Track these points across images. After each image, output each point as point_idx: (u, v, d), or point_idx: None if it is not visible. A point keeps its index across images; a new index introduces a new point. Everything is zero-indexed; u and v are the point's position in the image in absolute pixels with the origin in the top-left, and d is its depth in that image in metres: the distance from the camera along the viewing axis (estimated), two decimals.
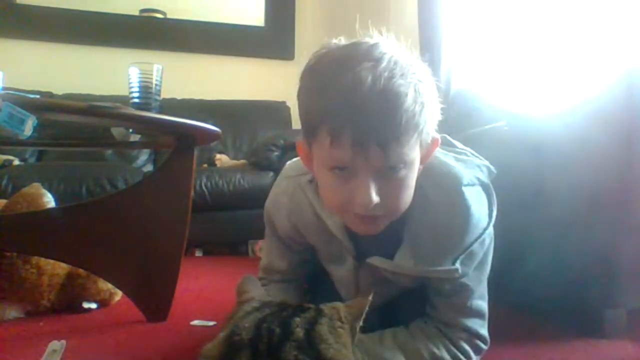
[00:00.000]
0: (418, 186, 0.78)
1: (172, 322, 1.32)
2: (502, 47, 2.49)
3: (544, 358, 1.07)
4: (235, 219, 2.76)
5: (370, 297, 0.65)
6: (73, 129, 2.77)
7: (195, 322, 1.31)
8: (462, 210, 0.81)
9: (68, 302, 1.42)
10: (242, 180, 2.73)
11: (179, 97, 3.36)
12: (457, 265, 0.81)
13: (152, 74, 1.28)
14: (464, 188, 0.82)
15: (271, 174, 2.82)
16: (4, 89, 1.18)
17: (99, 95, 3.05)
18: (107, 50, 3.43)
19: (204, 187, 2.65)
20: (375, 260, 0.84)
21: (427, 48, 2.78)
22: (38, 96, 1.22)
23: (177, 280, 1.34)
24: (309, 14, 3.76)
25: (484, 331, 0.89)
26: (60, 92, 3.13)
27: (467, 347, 0.87)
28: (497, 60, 2.52)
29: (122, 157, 3.08)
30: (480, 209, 0.84)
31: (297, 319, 0.58)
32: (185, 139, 1.35)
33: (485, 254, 0.87)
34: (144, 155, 3.15)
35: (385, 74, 0.68)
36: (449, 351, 0.85)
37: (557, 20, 2.13)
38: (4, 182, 2.36)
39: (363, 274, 0.90)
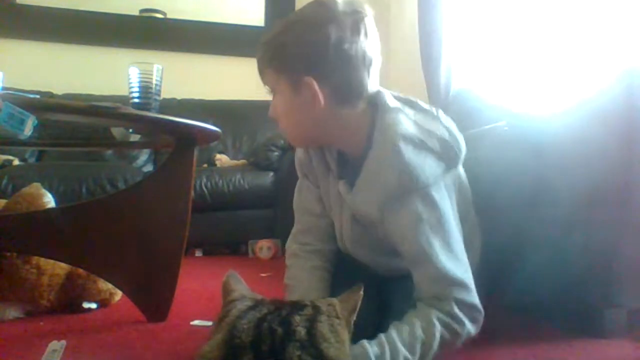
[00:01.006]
0: (373, 133, 0.94)
1: (172, 322, 1.32)
2: (502, 46, 2.49)
3: (544, 358, 1.07)
4: (235, 219, 2.76)
5: (361, 292, 0.65)
6: (73, 129, 2.77)
7: (195, 322, 1.31)
8: (394, 160, 0.90)
9: (68, 302, 1.42)
10: (242, 180, 2.73)
11: (179, 97, 3.36)
12: (382, 209, 0.93)
13: (152, 74, 1.28)
14: (401, 143, 0.91)
15: (271, 174, 2.82)
16: (4, 89, 1.18)
17: (99, 95, 3.05)
18: (107, 50, 3.43)
19: (204, 187, 2.65)
20: (341, 186, 0.99)
21: (427, 48, 2.78)
22: (38, 96, 1.22)
23: (177, 280, 1.34)
24: None
25: (472, 299, 0.91)
26: (60, 92, 3.13)
27: (459, 314, 0.89)
28: (497, 60, 2.52)
29: (122, 157, 3.08)
30: (419, 165, 0.91)
31: (297, 317, 0.57)
32: (185, 139, 1.35)
33: (439, 219, 0.92)
34: (144, 155, 3.15)
35: (280, 22, 0.94)
36: (440, 320, 0.88)
37: (557, 20, 2.13)
38: (4, 182, 2.36)
39: (345, 219, 1.03)
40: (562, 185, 1.22)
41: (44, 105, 1.22)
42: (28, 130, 1.05)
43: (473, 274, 0.94)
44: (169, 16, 3.62)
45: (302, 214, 1.14)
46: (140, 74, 1.27)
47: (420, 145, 0.92)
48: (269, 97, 1.02)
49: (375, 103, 0.96)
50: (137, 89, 1.27)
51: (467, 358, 1.04)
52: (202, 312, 1.41)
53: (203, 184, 2.65)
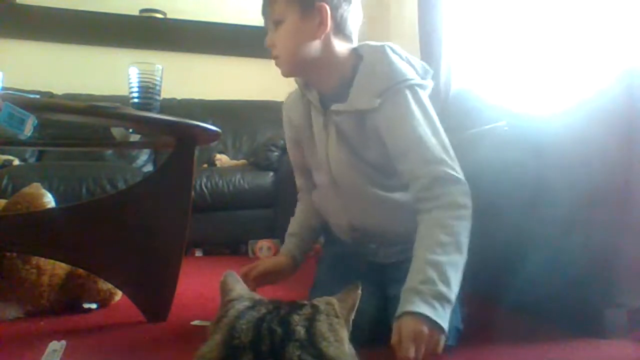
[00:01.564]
0: (362, 57, 1.12)
1: (172, 322, 1.32)
2: (502, 46, 2.49)
3: (544, 358, 1.07)
4: (235, 219, 2.76)
5: (359, 290, 0.65)
6: (73, 129, 2.77)
7: (195, 322, 1.31)
8: (385, 58, 1.10)
9: (68, 302, 1.42)
10: (242, 180, 2.73)
11: (179, 97, 3.36)
12: (380, 98, 1.07)
13: (152, 74, 1.28)
14: (389, 50, 1.11)
15: (271, 174, 2.82)
16: (4, 89, 1.18)
17: (99, 95, 3.05)
18: (107, 50, 3.43)
19: (204, 187, 2.65)
20: (337, 106, 1.12)
21: (427, 48, 2.78)
22: (38, 96, 1.22)
23: (177, 280, 1.34)
24: None
25: (460, 176, 1.02)
26: (60, 92, 3.13)
27: (458, 199, 0.99)
28: (497, 60, 2.52)
29: (122, 157, 3.08)
30: (405, 68, 1.10)
31: (296, 317, 0.57)
32: (185, 139, 1.35)
33: (426, 114, 1.07)
34: (144, 155, 3.15)
35: None
36: (450, 217, 0.98)
37: (557, 19, 2.13)
38: (4, 182, 2.36)
39: (330, 132, 1.15)
40: (562, 185, 1.22)
41: (44, 105, 1.21)
42: (28, 131, 1.05)
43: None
44: (169, 16, 3.62)
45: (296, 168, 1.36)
46: (140, 74, 1.27)
47: (406, 60, 1.13)
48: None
49: (359, 52, 1.15)
50: (137, 89, 1.27)
51: (467, 358, 1.05)
52: (202, 312, 1.41)
53: (203, 184, 2.66)
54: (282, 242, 2.81)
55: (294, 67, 1.14)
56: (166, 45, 3.48)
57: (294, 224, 1.36)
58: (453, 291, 0.92)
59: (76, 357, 1.04)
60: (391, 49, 1.12)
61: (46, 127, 2.19)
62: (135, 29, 3.51)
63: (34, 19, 3.33)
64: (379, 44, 1.14)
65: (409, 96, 1.06)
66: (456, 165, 1.03)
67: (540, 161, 1.28)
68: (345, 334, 0.60)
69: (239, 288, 0.66)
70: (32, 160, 2.99)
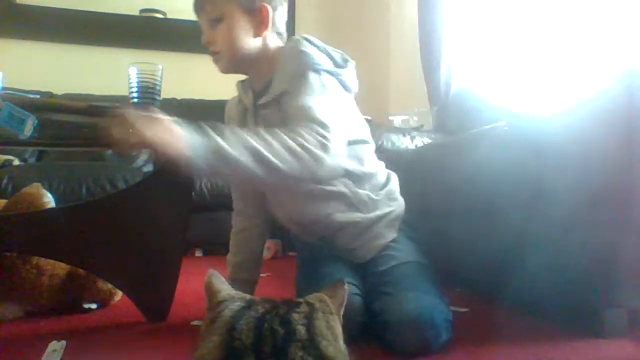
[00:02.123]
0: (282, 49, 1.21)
1: (172, 322, 1.32)
2: (502, 46, 2.49)
3: (544, 358, 1.07)
4: None
5: (346, 286, 0.66)
6: (73, 129, 2.77)
7: (195, 322, 1.31)
8: (297, 46, 1.17)
9: (68, 302, 1.42)
10: None
11: (179, 97, 3.36)
12: (290, 84, 1.13)
13: (152, 74, 1.28)
14: (303, 40, 1.19)
15: None
16: (4, 89, 1.18)
17: (99, 95, 3.04)
18: (107, 50, 3.43)
19: (204, 187, 2.65)
20: (262, 100, 1.21)
21: (427, 48, 2.78)
22: (38, 96, 1.22)
23: (177, 280, 1.34)
24: (309, 15, 3.76)
25: (328, 134, 1.01)
26: (60, 92, 3.13)
27: (303, 132, 0.99)
28: (497, 60, 2.52)
29: (122, 157, 3.08)
30: (316, 54, 1.16)
31: (295, 315, 0.57)
32: None
33: (322, 90, 1.11)
34: (144, 155, 3.15)
35: None
36: (286, 134, 0.99)
37: (557, 19, 2.13)
38: (4, 182, 2.36)
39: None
40: (562, 185, 1.22)
41: (44, 105, 1.22)
42: (28, 131, 1.05)
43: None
44: (169, 16, 3.62)
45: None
46: (140, 74, 1.27)
47: (323, 50, 1.19)
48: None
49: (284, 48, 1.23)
50: (137, 89, 1.27)
51: (467, 358, 1.05)
52: (202, 312, 1.40)
53: (203, 184, 2.65)
54: (282, 242, 2.80)
55: (233, 63, 1.22)
56: (166, 45, 3.47)
57: (244, 268, 1.36)
58: (215, 135, 0.94)
59: (76, 357, 1.04)
60: (307, 40, 1.20)
61: (46, 127, 2.19)
62: (135, 29, 3.51)
63: (34, 19, 3.33)
64: (296, 37, 1.21)
65: (313, 77, 1.12)
66: (333, 138, 1.01)
67: (540, 161, 1.28)
68: (339, 330, 0.60)
69: (226, 288, 0.65)
70: (32, 160, 2.99)
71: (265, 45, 1.21)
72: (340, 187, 1.19)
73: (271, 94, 1.19)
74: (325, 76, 1.14)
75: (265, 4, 1.18)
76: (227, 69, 1.24)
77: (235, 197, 1.41)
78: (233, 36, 1.18)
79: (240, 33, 1.18)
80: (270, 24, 1.19)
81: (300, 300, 0.62)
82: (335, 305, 0.62)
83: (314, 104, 1.06)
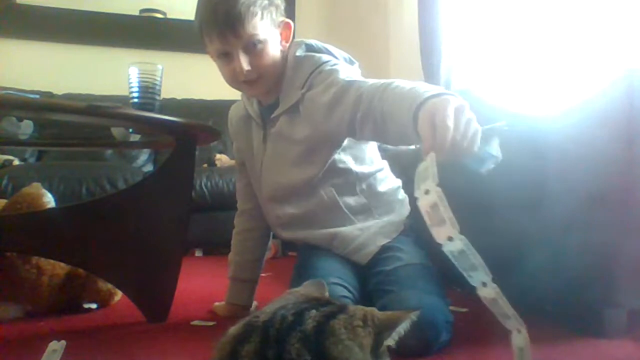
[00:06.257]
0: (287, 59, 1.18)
1: (172, 322, 1.32)
2: (502, 47, 2.49)
3: (544, 358, 1.07)
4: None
5: (410, 315, 0.58)
6: (73, 129, 2.77)
7: (195, 322, 1.31)
8: (300, 53, 1.17)
9: (68, 302, 1.42)
10: None
11: (179, 97, 3.36)
12: (306, 87, 1.13)
13: (152, 74, 1.28)
14: (303, 45, 1.19)
15: None
16: (4, 88, 1.18)
17: (99, 95, 3.04)
18: (107, 50, 3.43)
19: (204, 187, 2.65)
20: (275, 113, 1.19)
21: (427, 48, 2.78)
22: (38, 96, 1.22)
23: (177, 280, 1.34)
24: (309, 14, 3.76)
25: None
26: (60, 92, 3.13)
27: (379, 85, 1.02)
28: (497, 60, 2.52)
29: (122, 157, 3.08)
30: (323, 55, 1.16)
31: (314, 311, 0.54)
32: (185, 139, 1.35)
33: (346, 71, 1.11)
34: (144, 155, 3.15)
35: None
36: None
37: (557, 20, 2.13)
38: (4, 182, 2.36)
39: (268, 141, 1.24)
40: (562, 185, 1.22)
41: (44, 105, 1.22)
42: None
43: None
44: (169, 16, 3.62)
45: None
46: (140, 74, 1.27)
47: (326, 51, 1.19)
48: None
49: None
50: (137, 89, 1.27)
51: (467, 358, 1.05)
52: (202, 312, 1.41)
53: (203, 184, 2.65)
54: (282, 242, 2.80)
55: (274, 82, 1.19)
56: (166, 45, 3.47)
57: (246, 268, 1.38)
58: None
59: (76, 357, 1.04)
60: (306, 44, 1.19)
61: (46, 127, 2.19)
62: (135, 29, 3.51)
63: (34, 19, 3.33)
64: (296, 40, 1.21)
65: (327, 67, 1.12)
66: None
67: (541, 162, 1.28)
68: (368, 343, 0.53)
69: (306, 291, 0.65)
70: (32, 160, 2.99)
71: (284, 58, 1.19)
72: (329, 197, 1.20)
73: (283, 106, 1.18)
74: (342, 67, 1.14)
75: (285, 19, 1.19)
76: (266, 91, 1.20)
77: (241, 198, 1.43)
78: (276, 55, 1.16)
79: (277, 51, 1.17)
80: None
81: (336, 302, 0.59)
82: (378, 320, 0.55)
83: (348, 73, 1.08)
